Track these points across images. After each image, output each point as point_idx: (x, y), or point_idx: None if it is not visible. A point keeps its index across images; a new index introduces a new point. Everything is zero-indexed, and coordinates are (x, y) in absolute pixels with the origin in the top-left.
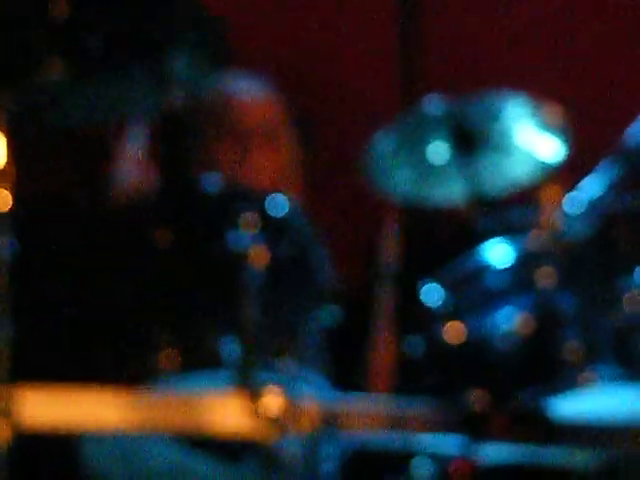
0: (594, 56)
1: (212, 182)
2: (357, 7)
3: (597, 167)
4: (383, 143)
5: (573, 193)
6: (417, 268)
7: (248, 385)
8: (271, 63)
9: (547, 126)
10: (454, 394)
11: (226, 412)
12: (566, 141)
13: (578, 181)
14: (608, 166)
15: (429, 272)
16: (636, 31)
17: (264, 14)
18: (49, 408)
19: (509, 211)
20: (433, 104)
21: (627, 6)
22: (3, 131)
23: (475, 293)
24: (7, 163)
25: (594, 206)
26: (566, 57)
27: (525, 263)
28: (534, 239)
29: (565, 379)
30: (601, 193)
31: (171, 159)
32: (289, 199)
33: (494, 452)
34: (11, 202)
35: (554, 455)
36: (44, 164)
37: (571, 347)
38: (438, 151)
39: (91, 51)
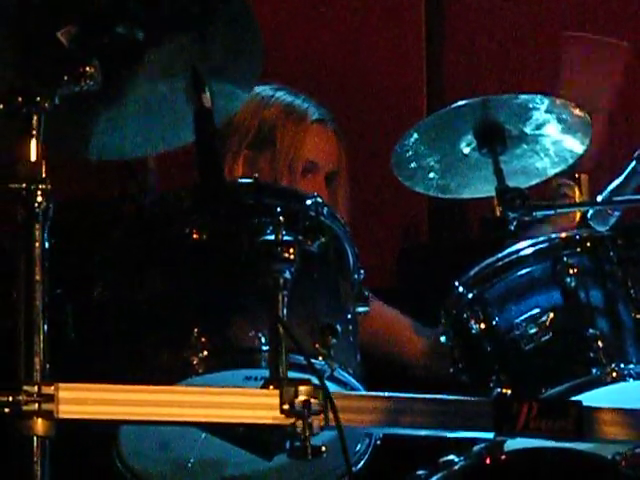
0: None
1: (248, 182)
2: (384, 9)
3: (625, 167)
4: (413, 139)
5: (602, 192)
6: (446, 260)
7: (281, 380)
8: (303, 64)
9: (572, 124)
10: (483, 388)
11: (259, 407)
12: (590, 140)
13: (606, 179)
14: (635, 167)
15: (458, 264)
16: None
17: (294, 19)
18: (87, 406)
19: (536, 205)
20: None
21: None
22: (36, 133)
23: (503, 286)
24: (39, 164)
25: (620, 204)
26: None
27: (552, 258)
28: (561, 233)
29: (592, 375)
30: (629, 192)
31: (207, 160)
32: (321, 199)
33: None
34: (43, 202)
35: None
36: (77, 163)
37: (598, 342)
38: (467, 145)
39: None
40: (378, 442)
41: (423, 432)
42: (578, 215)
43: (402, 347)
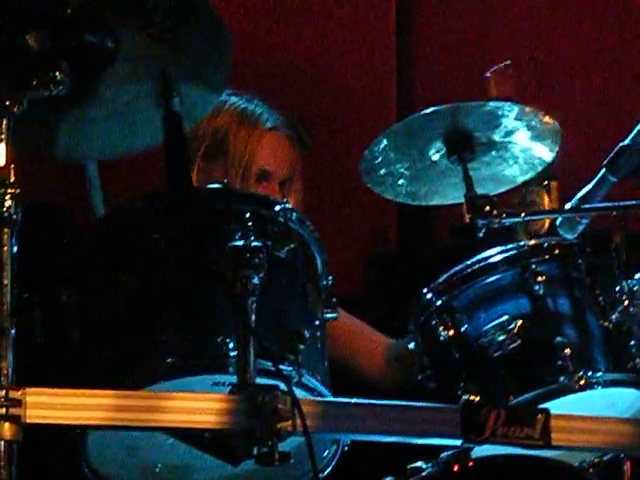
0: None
1: (217, 187)
2: (355, 15)
3: (595, 175)
4: (382, 145)
5: (571, 200)
6: (414, 267)
7: (249, 386)
8: (272, 71)
9: (541, 132)
10: (451, 395)
11: (227, 412)
12: (559, 146)
13: (574, 186)
14: (604, 174)
15: (426, 271)
16: (628, 43)
17: (263, 24)
18: (54, 410)
19: (505, 212)
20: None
21: (621, 18)
22: (5, 137)
23: (471, 293)
24: (8, 168)
25: (589, 212)
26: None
27: (520, 265)
28: (529, 242)
29: (560, 383)
30: (597, 200)
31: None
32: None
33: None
34: (12, 206)
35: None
36: (44, 168)
37: (565, 350)
38: (436, 152)
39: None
40: (346, 448)
41: (391, 439)
42: (547, 223)
43: (362, 359)
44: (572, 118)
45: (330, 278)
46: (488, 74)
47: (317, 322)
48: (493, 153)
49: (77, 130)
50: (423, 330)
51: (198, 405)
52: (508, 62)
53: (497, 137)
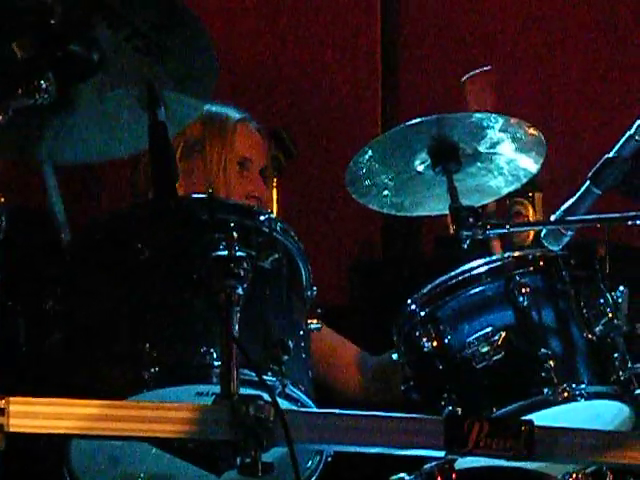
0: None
1: (202, 197)
2: (340, 25)
3: (579, 187)
4: (367, 156)
5: (556, 212)
6: (399, 278)
7: (232, 396)
8: (258, 81)
9: (526, 143)
10: (434, 406)
11: (210, 422)
12: (544, 158)
13: (559, 198)
14: (589, 186)
15: (411, 282)
16: (615, 54)
17: (249, 34)
18: (37, 420)
19: (490, 223)
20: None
21: (608, 30)
22: None
23: (455, 305)
24: None
25: (573, 223)
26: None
27: (504, 277)
28: (513, 253)
29: (544, 395)
30: (582, 212)
31: (160, 174)
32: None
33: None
34: None
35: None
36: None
37: (549, 362)
38: (421, 163)
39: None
40: (329, 459)
41: (374, 450)
42: (531, 234)
43: (339, 373)
44: (557, 130)
45: (314, 288)
46: (464, 78)
47: (301, 332)
48: (478, 164)
49: (59, 136)
50: (407, 341)
51: (181, 415)
52: (487, 67)
53: (482, 148)
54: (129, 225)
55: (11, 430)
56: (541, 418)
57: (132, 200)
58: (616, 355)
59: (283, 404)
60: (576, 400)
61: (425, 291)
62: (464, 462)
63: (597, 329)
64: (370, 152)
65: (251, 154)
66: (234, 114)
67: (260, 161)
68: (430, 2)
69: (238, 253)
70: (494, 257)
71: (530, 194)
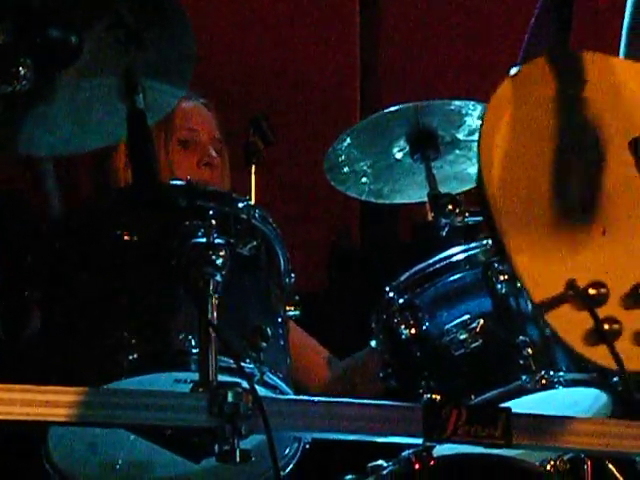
0: None
1: (181, 184)
2: (319, 12)
3: None
4: (346, 143)
5: None
6: (377, 265)
7: (210, 383)
8: (235, 68)
9: None
10: (412, 393)
11: (188, 409)
12: None
13: None
14: None
15: (389, 269)
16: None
17: (227, 22)
18: (15, 406)
19: (468, 211)
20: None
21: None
22: None
23: (433, 292)
24: None
25: None
26: None
27: (483, 264)
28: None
29: (521, 382)
30: None
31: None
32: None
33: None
34: None
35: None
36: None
37: (527, 349)
38: (399, 151)
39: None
40: (307, 446)
41: (352, 437)
42: None
43: (305, 374)
44: None
45: (293, 276)
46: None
47: (279, 320)
48: (457, 152)
49: (41, 123)
50: (385, 328)
51: (160, 402)
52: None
53: (461, 136)
54: (108, 212)
55: None
56: (519, 405)
57: (106, 185)
58: None
59: (261, 391)
60: (554, 387)
61: (403, 279)
62: (442, 449)
63: None
64: (349, 139)
65: (195, 129)
66: None
67: (208, 133)
68: None
69: (216, 240)
70: (472, 245)
71: None
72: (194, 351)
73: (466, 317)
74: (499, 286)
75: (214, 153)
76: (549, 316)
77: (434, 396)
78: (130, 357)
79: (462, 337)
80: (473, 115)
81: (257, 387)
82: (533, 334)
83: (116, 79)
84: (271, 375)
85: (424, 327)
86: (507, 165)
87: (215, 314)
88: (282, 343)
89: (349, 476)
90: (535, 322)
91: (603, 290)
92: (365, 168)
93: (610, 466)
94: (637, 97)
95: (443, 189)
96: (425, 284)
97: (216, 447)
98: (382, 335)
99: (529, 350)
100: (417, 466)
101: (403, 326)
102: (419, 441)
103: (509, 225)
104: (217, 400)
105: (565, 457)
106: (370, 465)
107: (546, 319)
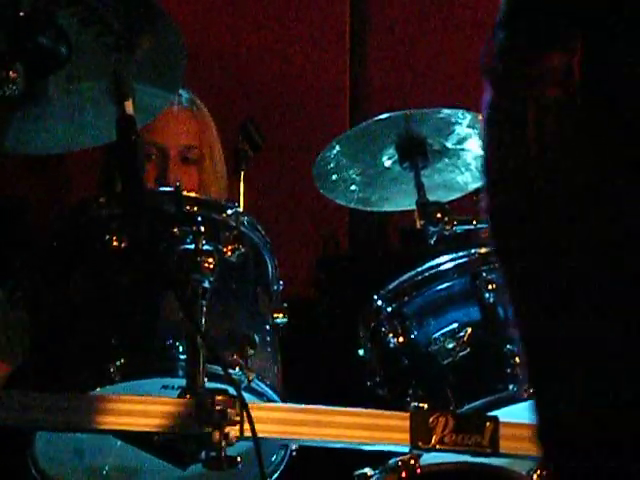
0: None
1: (169, 190)
2: (308, 15)
3: None
4: (335, 150)
5: None
6: (365, 273)
7: (198, 390)
8: (224, 72)
9: None
10: (400, 401)
11: (175, 416)
12: None
13: None
14: None
15: (377, 277)
16: None
17: (215, 25)
18: (2, 411)
19: (456, 219)
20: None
21: None
22: None
23: (421, 300)
24: None
25: None
26: None
27: (470, 273)
28: (480, 249)
29: (509, 391)
30: None
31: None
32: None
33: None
34: None
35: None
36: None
37: (515, 358)
38: (389, 159)
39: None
40: (294, 453)
41: (339, 444)
42: None
43: None
44: None
45: (281, 283)
46: None
47: (267, 327)
48: (446, 160)
49: (29, 126)
50: (373, 336)
51: (147, 408)
52: None
53: (450, 144)
54: (96, 216)
55: None
56: (507, 414)
57: (99, 189)
58: None
59: (248, 398)
60: None
61: (391, 287)
62: (429, 457)
63: None
64: (338, 147)
65: (164, 139)
66: None
67: (178, 145)
68: None
69: (205, 247)
70: (460, 253)
71: None
72: (182, 357)
73: (454, 326)
74: (487, 295)
75: (175, 171)
76: None
77: (421, 404)
78: (117, 363)
79: (450, 346)
80: (462, 124)
81: (244, 394)
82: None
83: (106, 82)
84: (259, 382)
85: (412, 335)
86: None
87: (203, 320)
88: (270, 350)
89: None
90: None
91: None
92: (354, 176)
93: None
94: None
95: (432, 197)
96: (413, 292)
97: (203, 453)
98: (370, 343)
99: (517, 359)
100: (404, 474)
101: (391, 335)
102: (406, 449)
103: None
104: (204, 407)
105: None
106: (357, 473)
107: None
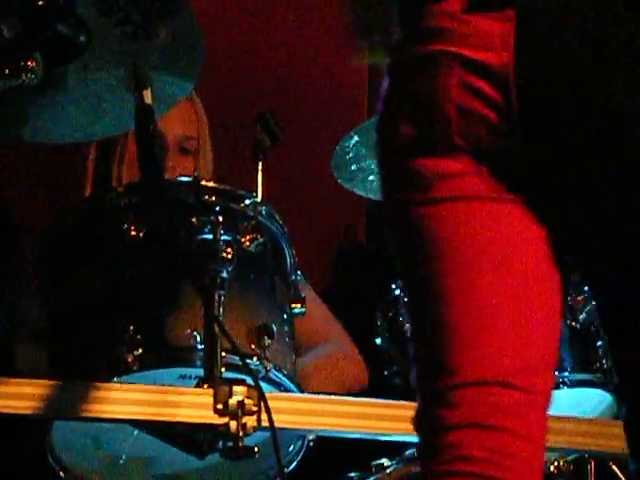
0: None
1: (188, 180)
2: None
3: None
4: (354, 140)
5: None
6: (383, 262)
7: (215, 380)
8: (244, 63)
9: None
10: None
11: (193, 406)
12: None
13: None
14: None
15: (394, 267)
16: None
17: (234, 18)
18: (20, 400)
19: None
20: None
21: None
22: None
23: None
24: None
25: None
26: None
27: None
28: None
29: None
30: None
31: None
32: (260, 198)
33: None
34: None
35: None
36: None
37: None
38: None
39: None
40: (311, 444)
41: (356, 435)
42: None
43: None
44: None
45: (299, 273)
46: None
47: (285, 317)
48: None
49: (46, 114)
50: (390, 326)
51: (164, 398)
52: None
53: None
54: (114, 206)
55: None
56: None
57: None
58: (599, 343)
59: (266, 388)
60: (558, 388)
61: None
62: None
63: (580, 317)
64: (356, 137)
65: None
66: None
67: (177, 136)
68: None
69: (223, 237)
70: None
71: None
72: (199, 347)
73: None
74: None
75: (173, 161)
76: None
77: None
78: (135, 352)
79: None
80: None
81: (262, 384)
82: None
83: (124, 71)
84: (276, 372)
85: None
86: None
87: (221, 310)
88: (287, 340)
89: (352, 474)
90: None
91: None
92: (373, 166)
93: (614, 467)
94: None
95: None
96: None
97: (220, 443)
98: (387, 332)
99: None
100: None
101: (409, 324)
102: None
103: None
104: (222, 397)
105: (569, 458)
106: (374, 463)
107: None
